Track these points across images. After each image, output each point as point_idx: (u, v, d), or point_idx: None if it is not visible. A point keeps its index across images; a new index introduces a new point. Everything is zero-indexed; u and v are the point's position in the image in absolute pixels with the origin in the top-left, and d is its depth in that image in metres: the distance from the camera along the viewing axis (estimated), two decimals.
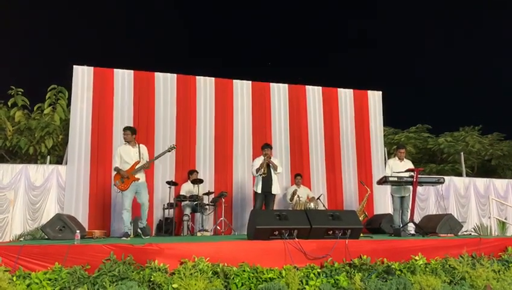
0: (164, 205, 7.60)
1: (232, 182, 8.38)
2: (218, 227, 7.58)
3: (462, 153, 11.15)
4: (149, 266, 3.80)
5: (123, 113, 8.01)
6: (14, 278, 3.59)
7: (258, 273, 3.88)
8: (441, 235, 5.89)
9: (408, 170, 6.33)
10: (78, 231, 4.74)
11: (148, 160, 5.98)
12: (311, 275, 3.98)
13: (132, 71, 8.24)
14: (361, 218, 7.20)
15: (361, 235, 4.95)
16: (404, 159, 6.75)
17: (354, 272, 4.10)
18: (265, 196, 6.70)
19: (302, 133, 8.99)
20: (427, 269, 4.31)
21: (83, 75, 7.93)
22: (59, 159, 8.91)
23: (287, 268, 4.00)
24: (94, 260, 3.82)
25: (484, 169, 13.61)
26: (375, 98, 9.61)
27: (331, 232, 4.52)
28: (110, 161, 7.07)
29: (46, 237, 5.51)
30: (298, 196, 7.75)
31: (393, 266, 4.24)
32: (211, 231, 7.51)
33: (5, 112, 9.33)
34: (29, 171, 7.44)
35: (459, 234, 6.21)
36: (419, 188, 6.76)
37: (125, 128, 6.00)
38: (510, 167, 13.60)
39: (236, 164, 8.47)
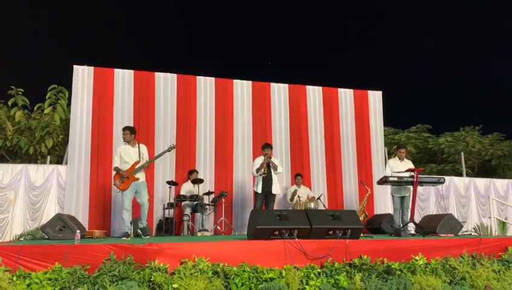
0: (164, 205, 7.60)
1: (232, 182, 8.37)
2: (218, 227, 7.57)
3: (462, 153, 11.14)
4: (149, 266, 3.80)
5: (123, 113, 8.01)
6: (14, 278, 3.60)
7: (258, 273, 3.88)
8: (441, 235, 5.88)
9: (408, 170, 6.32)
10: (78, 231, 4.74)
11: (148, 160, 5.98)
12: (312, 275, 3.98)
13: (132, 71, 8.23)
14: (361, 218, 7.20)
15: (362, 235, 4.95)
16: (405, 159, 6.76)
17: (354, 272, 4.10)
18: (266, 195, 6.70)
19: (302, 133, 8.98)
20: (427, 269, 4.30)
21: (83, 75, 7.93)
22: (59, 159, 8.91)
23: (287, 268, 3.99)
24: (94, 260, 3.82)
25: (484, 169, 13.60)
26: (375, 98, 9.60)
27: (331, 232, 4.52)
28: (110, 161, 7.07)
29: (46, 237, 5.51)
30: (298, 196, 7.75)
31: (393, 266, 4.24)
32: (211, 231, 7.50)
33: (5, 111, 9.34)
34: (29, 171, 7.45)
35: (460, 234, 6.20)
36: (419, 188, 6.75)
37: (125, 128, 5.99)
38: (510, 167, 13.60)
39: (236, 163, 8.46)
